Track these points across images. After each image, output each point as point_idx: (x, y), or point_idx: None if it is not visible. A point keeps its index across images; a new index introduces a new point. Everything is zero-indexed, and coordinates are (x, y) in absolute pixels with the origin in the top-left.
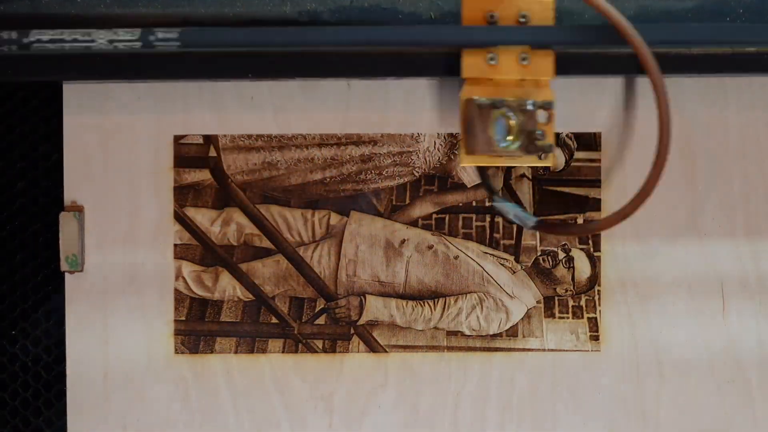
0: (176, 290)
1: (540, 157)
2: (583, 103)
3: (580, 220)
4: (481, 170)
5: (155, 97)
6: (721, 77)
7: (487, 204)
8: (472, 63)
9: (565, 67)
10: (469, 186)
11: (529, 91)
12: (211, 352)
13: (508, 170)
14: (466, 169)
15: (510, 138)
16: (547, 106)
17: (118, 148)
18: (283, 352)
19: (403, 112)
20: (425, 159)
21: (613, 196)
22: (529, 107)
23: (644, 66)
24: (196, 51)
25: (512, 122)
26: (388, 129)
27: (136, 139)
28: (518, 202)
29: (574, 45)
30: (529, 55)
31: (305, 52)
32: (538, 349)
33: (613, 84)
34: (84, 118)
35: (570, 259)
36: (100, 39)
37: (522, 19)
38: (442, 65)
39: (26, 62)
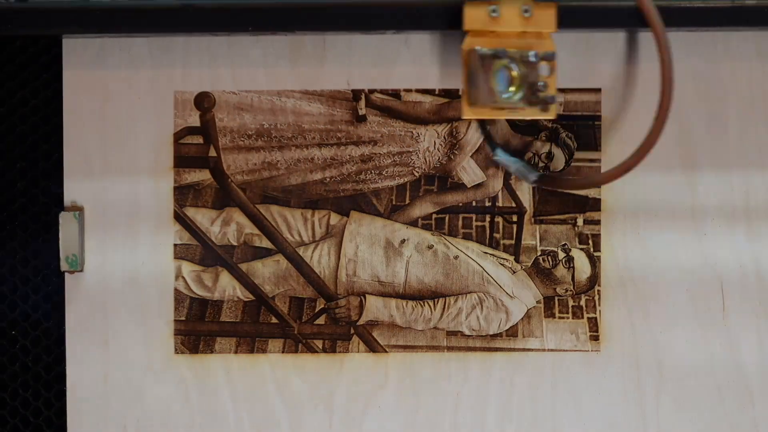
0: (176, 290)
1: (542, 109)
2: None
3: (580, 221)
4: (482, 123)
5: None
6: (722, 31)
7: (493, 158)
8: (474, 15)
9: (568, 19)
10: (469, 186)
11: (531, 43)
12: (211, 352)
13: (508, 171)
14: (467, 169)
15: (512, 89)
16: (549, 57)
17: (118, 148)
18: (283, 352)
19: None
20: (425, 159)
21: (612, 196)
22: (532, 58)
23: (647, 20)
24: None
25: (514, 73)
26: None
27: (135, 134)
28: (526, 165)
29: None
30: (531, 7)
31: (304, 5)
32: (538, 349)
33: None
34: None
35: (570, 259)
36: None
37: None
38: (444, 18)
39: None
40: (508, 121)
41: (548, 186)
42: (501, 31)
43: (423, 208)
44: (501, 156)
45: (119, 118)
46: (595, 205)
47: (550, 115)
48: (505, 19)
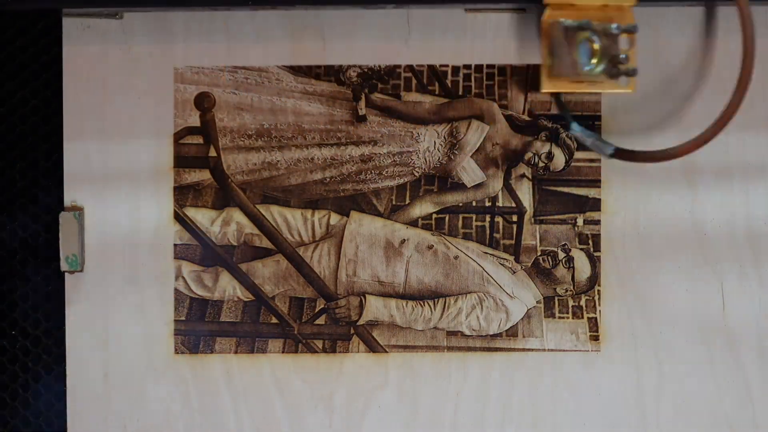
0: (176, 290)
1: (621, 83)
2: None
3: (580, 221)
4: (558, 97)
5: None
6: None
7: (569, 132)
8: None
9: None
10: (469, 186)
11: (612, 16)
12: (211, 352)
13: (508, 171)
14: (467, 169)
15: (594, 61)
16: (631, 29)
17: (118, 148)
18: (283, 352)
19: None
20: (425, 159)
21: (612, 196)
22: (614, 31)
23: None
24: None
25: (596, 46)
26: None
27: (135, 134)
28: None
29: None
30: None
31: None
32: (538, 349)
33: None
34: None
35: (570, 259)
36: None
37: None
38: None
39: None
40: (508, 121)
41: (625, 159)
42: (580, 4)
43: (423, 208)
44: (577, 131)
45: (119, 118)
46: (595, 205)
47: (629, 89)
48: None
